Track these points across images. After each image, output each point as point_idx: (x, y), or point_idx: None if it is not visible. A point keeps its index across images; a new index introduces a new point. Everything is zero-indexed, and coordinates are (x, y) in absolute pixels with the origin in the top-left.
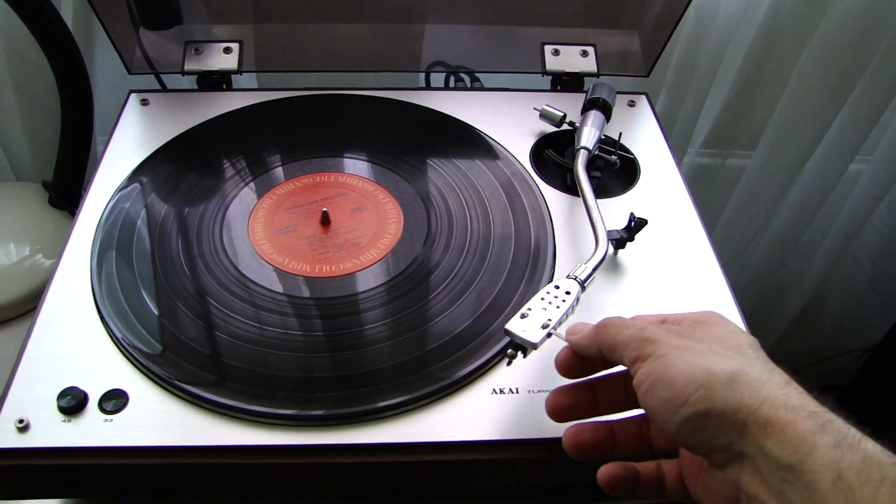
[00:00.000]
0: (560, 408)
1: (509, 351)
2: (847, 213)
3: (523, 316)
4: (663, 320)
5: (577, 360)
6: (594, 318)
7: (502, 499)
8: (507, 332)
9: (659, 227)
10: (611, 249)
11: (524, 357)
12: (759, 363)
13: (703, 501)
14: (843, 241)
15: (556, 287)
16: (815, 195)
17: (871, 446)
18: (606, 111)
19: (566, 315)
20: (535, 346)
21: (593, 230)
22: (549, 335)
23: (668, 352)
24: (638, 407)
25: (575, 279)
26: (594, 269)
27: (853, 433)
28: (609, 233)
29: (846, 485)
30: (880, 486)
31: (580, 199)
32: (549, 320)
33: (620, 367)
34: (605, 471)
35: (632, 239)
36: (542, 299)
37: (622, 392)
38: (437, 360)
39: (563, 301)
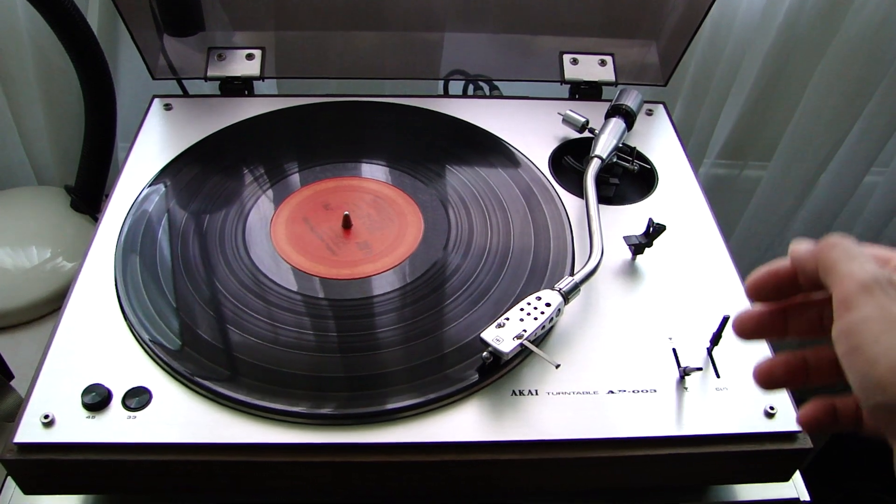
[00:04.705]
0: (746, 324)
1: (485, 354)
2: (862, 226)
3: (500, 325)
4: None
5: (773, 281)
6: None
7: (524, 500)
8: (482, 341)
9: (677, 234)
10: (604, 261)
11: (500, 364)
12: None
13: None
14: None
15: (538, 298)
16: (831, 207)
17: None
18: (629, 119)
19: (542, 326)
20: (506, 357)
21: (590, 241)
22: (521, 346)
23: (877, 322)
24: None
25: (558, 291)
26: (582, 281)
27: None
28: (627, 238)
29: None
30: None
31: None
32: (524, 331)
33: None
34: (806, 414)
35: (650, 244)
36: (522, 310)
37: (816, 318)
38: (456, 362)
39: (542, 313)
